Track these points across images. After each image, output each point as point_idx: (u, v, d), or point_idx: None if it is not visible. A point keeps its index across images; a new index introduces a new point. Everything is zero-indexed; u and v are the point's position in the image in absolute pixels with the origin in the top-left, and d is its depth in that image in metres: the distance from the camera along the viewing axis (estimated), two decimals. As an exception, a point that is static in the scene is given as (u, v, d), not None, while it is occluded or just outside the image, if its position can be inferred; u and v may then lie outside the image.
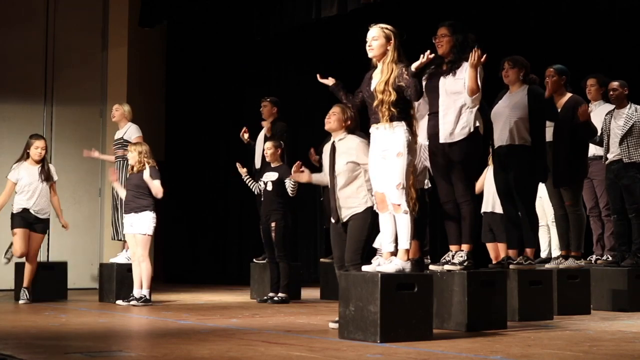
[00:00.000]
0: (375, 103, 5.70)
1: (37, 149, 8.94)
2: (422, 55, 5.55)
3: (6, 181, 8.97)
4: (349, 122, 6.37)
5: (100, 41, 11.95)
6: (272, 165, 8.89)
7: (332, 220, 6.38)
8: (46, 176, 8.96)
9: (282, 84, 13.10)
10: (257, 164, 9.64)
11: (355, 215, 6.22)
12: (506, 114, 7.01)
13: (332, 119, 6.40)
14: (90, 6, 11.93)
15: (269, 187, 8.81)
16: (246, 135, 9.80)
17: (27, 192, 8.86)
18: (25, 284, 8.86)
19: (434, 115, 6.31)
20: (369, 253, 6.46)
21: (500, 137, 7.03)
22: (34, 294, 8.93)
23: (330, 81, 6.14)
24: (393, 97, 5.61)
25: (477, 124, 6.26)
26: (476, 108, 6.23)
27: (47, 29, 11.65)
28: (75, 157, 11.57)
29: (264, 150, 9.09)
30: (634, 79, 8.53)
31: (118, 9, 11.98)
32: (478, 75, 6.08)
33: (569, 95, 7.81)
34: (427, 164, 6.57)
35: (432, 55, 5.59)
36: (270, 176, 8.82)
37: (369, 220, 6.17)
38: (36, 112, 11.57)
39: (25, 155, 9.02)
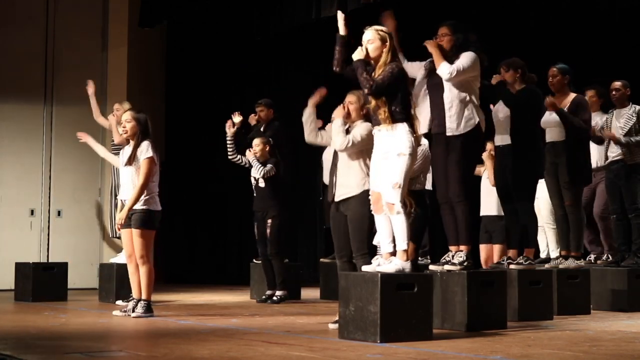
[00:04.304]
0: (372, 107, 5.69)
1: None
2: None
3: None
4: (365, 111, 6.18)
5: (100, 41, 11.97)
6: (261, 161, 8.83)
7: (329, 199, 6.30)
8: (129, 158, 7.15)
9: (282, 84, 13.10)
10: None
11: (351, 199, 6.06)
12: (504, 115, 7.05)
13: (351, 109, 6.20)
14: (90, 6, 11.94)
15: (261, 184, 8.76)
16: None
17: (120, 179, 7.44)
18: (143, 294, 7.18)
19: (438, 112, 6.31)
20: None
21: (500, 137, 7.07)
22: (33, 294, 8.92)
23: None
24: (386, 98, 5.58)
25: (479, 120, 6.27)
26: (473, 100, 6.24)
27: (47, 29, 11.66)
28: (75, 157, 11.58)
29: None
30: (634, 79, 8.52)
31: (118, 9, 12.00)
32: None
33: (572, 95, 7.77)
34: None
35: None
36: (263, 168, 8.74)
37: (368, 206, 5.93)
38: (36, 112, 11.58)
39: None
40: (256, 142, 8.87)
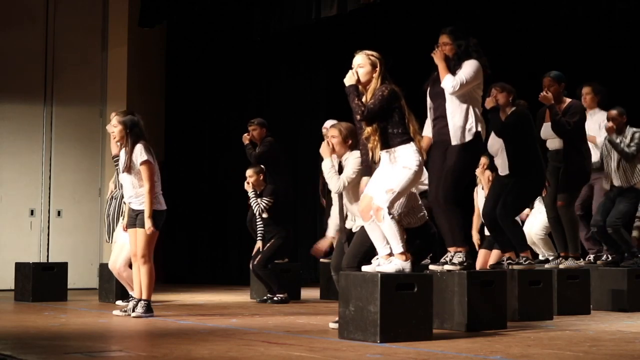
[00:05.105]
0: (364, 135, 5.64)
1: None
2: None
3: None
4: (349, 141, 6.18)
5: (100, 41, 11.96)
6: (258, 191, 8.84)
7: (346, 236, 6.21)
8: (126, 165, 7.10)
9: (282, 84, 13.10)
10: None
11: None
12: (499, 143, 7.20)
13: (335, 143, 6.18)
14: (90, 6, 11.93)
15: (265, 215, 8.79)
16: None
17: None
18: (143, 294, 7.17)
19: (439, 120, 6.30)
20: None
21: (502, 168, 7.25)
22: (33, 294, 8.90)
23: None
24: (380, 123, 5.55)
25: (479, 129, 6.25)
26: (474, 110, 6.24)
27: (47, 29, 11.66)
28: (75, 157, 11.59)
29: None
30: (634, 79, 8.52)
31: (118, 9, 11.99)
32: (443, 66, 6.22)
33: (567, 100, 7.78)
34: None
35: None
36: (260, 202, 8.76)
37: None
38: (36, 112, 11.57)
39: None
40: (249, 173, 8.89)
